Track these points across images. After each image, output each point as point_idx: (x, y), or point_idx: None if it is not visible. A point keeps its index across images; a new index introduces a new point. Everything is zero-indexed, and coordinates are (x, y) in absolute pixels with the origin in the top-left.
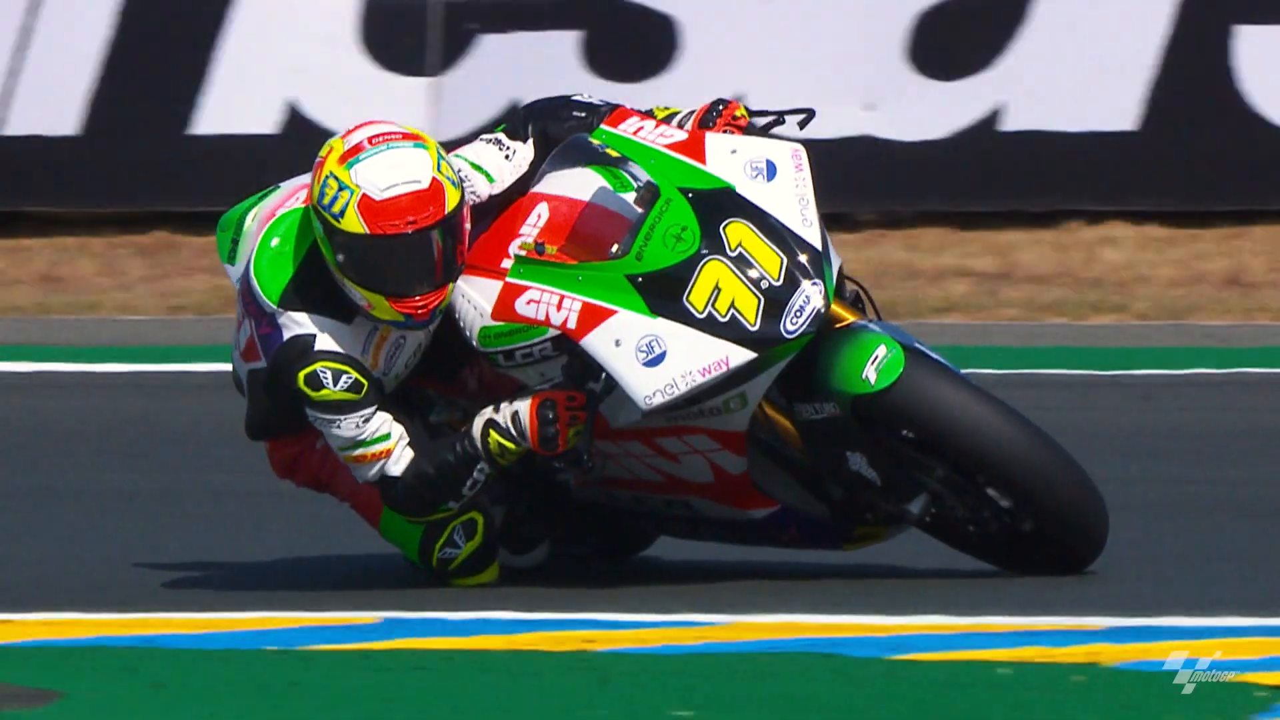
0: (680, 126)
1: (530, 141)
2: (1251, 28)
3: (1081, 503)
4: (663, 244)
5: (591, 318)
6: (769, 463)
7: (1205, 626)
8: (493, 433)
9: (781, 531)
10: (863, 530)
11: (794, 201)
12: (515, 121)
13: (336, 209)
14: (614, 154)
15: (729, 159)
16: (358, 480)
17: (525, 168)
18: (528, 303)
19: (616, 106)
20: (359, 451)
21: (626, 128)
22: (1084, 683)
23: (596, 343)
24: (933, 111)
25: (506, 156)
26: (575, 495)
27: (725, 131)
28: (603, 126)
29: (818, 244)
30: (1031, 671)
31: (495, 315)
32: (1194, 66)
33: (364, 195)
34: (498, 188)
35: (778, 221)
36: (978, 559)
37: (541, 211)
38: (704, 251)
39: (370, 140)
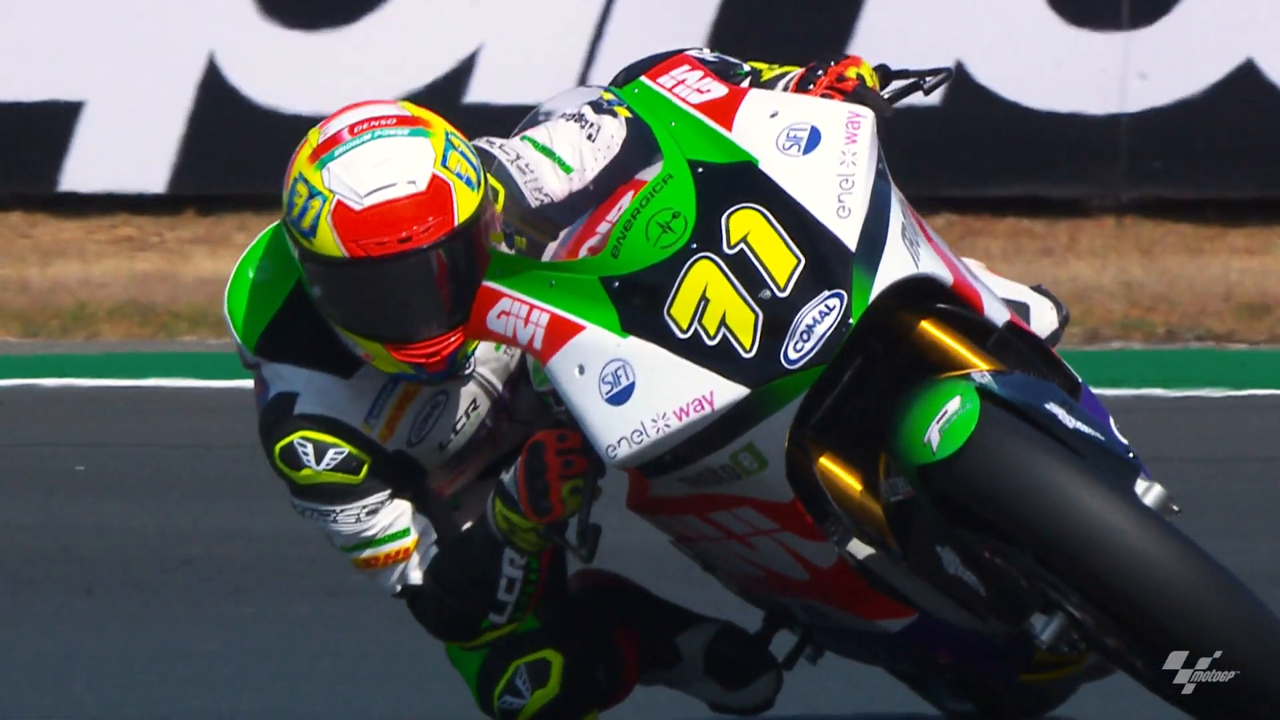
0: (785, 89)
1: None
2: None
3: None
4: (644, 236)
5: (558, 335)
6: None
7: None
8: (498, 502)
9: (930, 651)
10: (1045, 657)
11: (831, 183)
12: (614, 86)
13: (306, 223)
14: (624, 114)
15: (764, 124)
16: (382, 590)
17: (617, 147)
18: (499, 315)
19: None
20: (368, 553)
21: (665, 81)
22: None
23: (558, 369)
24: None
25: (589, 136)
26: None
27: (824, 96)
28: (642, 79)
29: (851, 242)
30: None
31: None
32: None
33: (339, 203)
34: (578, 178)
35: (804, 209)
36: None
37: (624, 201)
38: (693, 246)
39: (352, 129)
